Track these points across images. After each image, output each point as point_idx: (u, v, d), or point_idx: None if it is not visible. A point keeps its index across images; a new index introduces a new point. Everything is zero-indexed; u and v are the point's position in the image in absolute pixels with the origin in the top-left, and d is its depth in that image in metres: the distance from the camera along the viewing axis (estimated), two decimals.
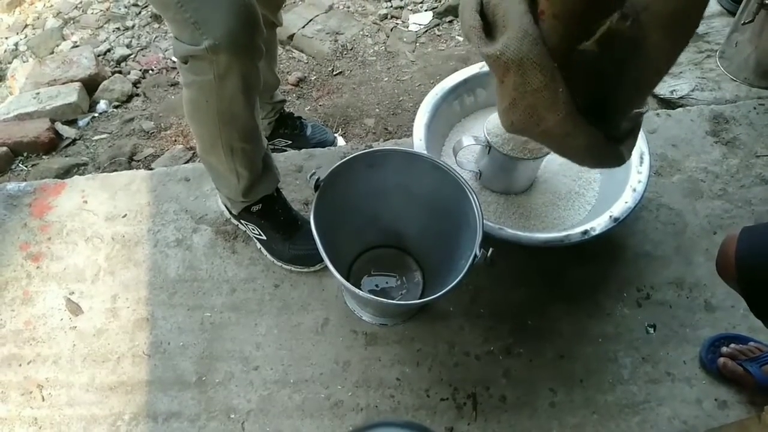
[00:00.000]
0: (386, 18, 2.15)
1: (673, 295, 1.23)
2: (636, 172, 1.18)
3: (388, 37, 2.08)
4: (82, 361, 1.18)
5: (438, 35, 2.08)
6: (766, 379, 1.05)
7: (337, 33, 2.09)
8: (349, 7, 2.20)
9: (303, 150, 1.51)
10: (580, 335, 1.19)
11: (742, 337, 1.14)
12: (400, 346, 1.18)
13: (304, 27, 2.09)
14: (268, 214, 1.23)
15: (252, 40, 0.90)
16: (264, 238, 1.26)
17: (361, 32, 2.09)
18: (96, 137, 1.79)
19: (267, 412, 1.11)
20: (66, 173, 1.65)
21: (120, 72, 2.02)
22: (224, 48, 0.86)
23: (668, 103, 1.66)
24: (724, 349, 1.11)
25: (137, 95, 1.95)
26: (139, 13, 2.25)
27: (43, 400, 1.14)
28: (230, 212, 1.28)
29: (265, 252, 1.28)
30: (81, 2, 2.33)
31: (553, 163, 1.33)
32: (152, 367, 1.17)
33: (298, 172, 1.44)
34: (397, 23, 2.13)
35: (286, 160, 1.45)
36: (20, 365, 1.18)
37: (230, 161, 1.07)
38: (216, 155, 1.07)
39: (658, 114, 1.54)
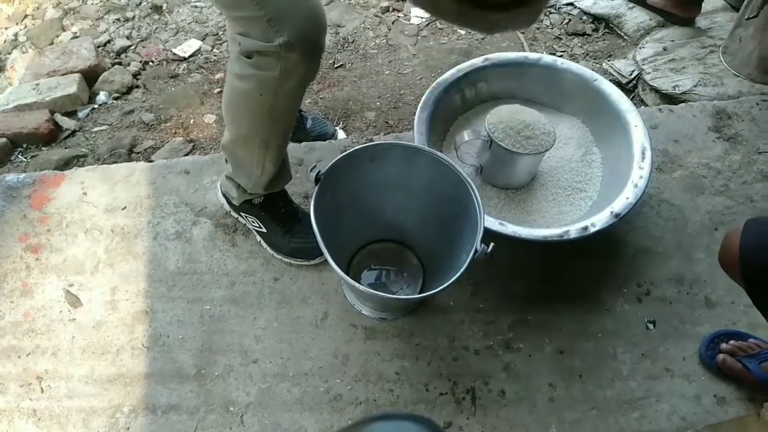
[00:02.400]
0: (388, 11, 2.13)
1: (673, 291, 1.23)
2: (638, 168, 1.17)
3: (389, 30, 2.06)
4: (81, 353, 1.18)
5: (440, 28, 2.07)
6: (765, 376, 1.05)
7: (338, 25, 2.07)
8: (350, 0, 2.19)
9: (303, 143, 1.50)
10: (580, 331, 1.19)
11: (741, 334, 1.14)
12: (399, 340, 1.18)
13: None
14: (269, 206, 1.23)
15: (320, 40, 0.90)
16: (264, 230, 1.25)
17: (362, 25, 2.08)
18: (96, 129, 1.78)
19: (266, 406, 1.11)
20: (66, 165, 1.64)
21: (120, 63, 2.00)
22: (297, 46, 0.86)
23: (670, 99, 1.65)
24: (724, 346, 1.11)
25: (137, 87, 1.93)
26: (140, 4, 2.23)
27: (42, 391, 1.14)
28: (230, 204, 1.27)
29: (264, 245, 1.28)
30: None
31: (555, 158, 1.32)
32: (151, 359, 1.17)
33: (298, 165, 1.43)
34: (398, 16, 2.12)
35: None
36: (19, 357, 1.18)
37: (261, 155, 1.07)
38: (247, 148, 1.07)
39: (660, 109, 1.54)
